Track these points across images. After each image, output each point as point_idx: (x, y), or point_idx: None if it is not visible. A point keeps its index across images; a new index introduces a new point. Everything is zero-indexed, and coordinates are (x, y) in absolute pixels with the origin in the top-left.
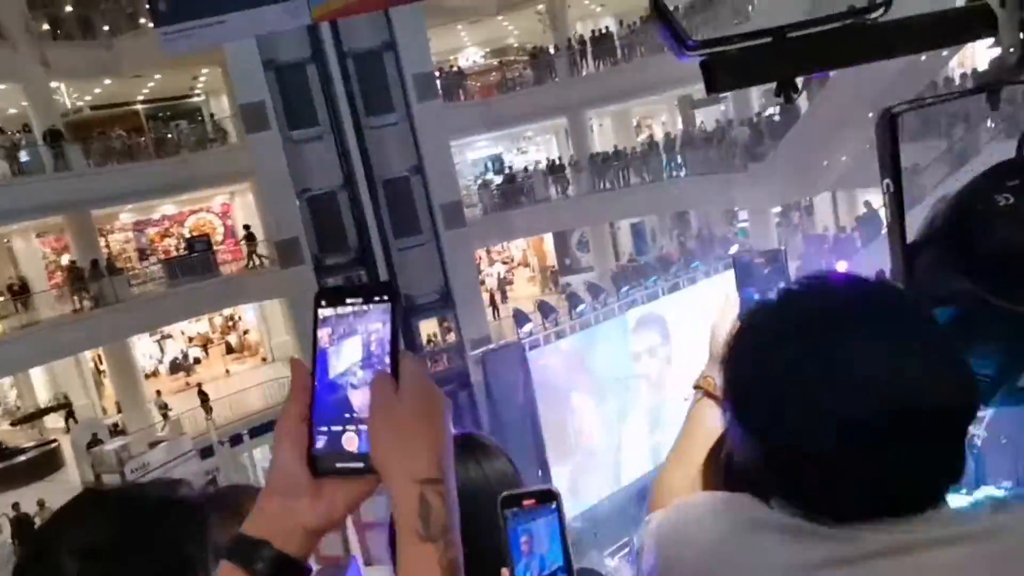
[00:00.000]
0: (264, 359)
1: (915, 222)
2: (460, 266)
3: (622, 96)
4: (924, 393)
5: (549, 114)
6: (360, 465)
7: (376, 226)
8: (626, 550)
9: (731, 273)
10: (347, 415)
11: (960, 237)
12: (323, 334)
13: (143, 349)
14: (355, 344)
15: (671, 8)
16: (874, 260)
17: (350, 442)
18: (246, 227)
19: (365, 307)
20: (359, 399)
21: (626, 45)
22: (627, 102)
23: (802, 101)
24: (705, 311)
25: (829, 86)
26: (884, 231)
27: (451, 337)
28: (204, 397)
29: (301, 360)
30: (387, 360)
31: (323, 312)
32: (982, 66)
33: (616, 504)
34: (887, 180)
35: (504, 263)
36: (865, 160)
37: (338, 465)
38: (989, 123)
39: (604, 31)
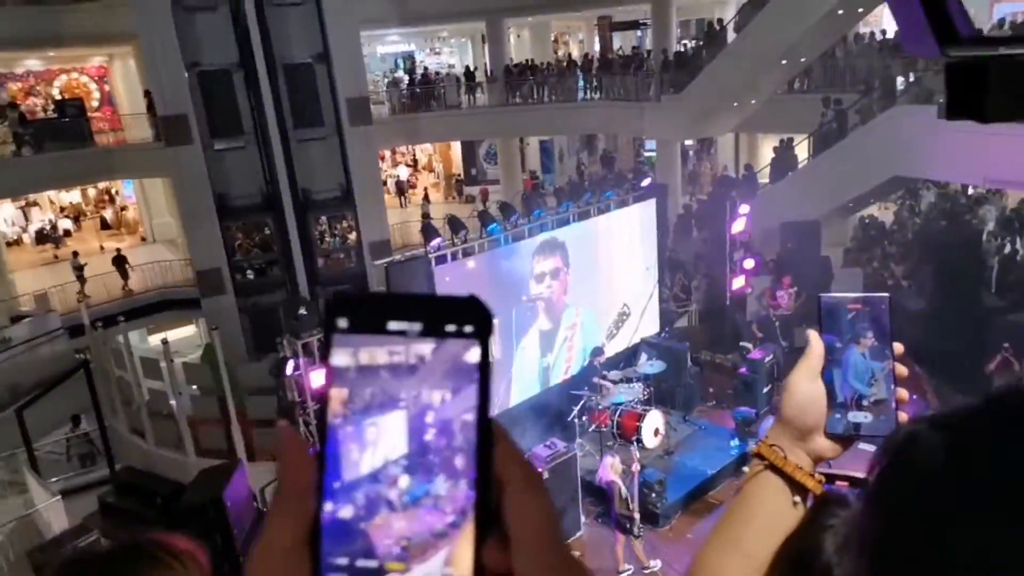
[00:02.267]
0: (143, 239)
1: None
2: (363, 165)
3: (543, 7)
4: None
5: (468, 16)
6: None
7: (275, 113)
8: None
9: (637, 208)
10: (386, 544)
11: None
12: (337, 396)
13: (3, 214)
14: (396, 424)
15: None
16: (778, 198)
17: None
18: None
19: (424, 346)
20: (402, 525)
21: None
22: (547, 14)
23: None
24: (604, 241)
25: (747, 31)
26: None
27: (351, 237)
28: (122, 261)
29: (295, 432)
30: (464, 468)
31: (339, 355)
32: (889, 25)
33: (505, 422)
34: None
35: (408, 166)
36: (770, 105)
37: None
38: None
39: None
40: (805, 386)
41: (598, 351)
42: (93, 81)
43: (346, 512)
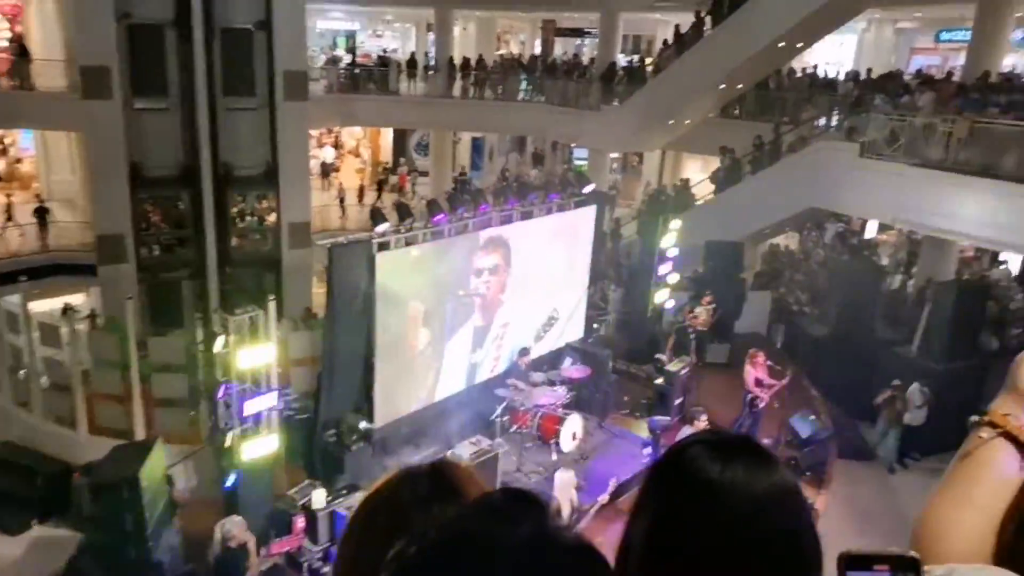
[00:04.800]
0: (38, 196)
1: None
2: (293, 142)
3: (496, 2)
4: None
5: (419, 2)
6: None
7: (205, 77)
8: (432, 459)
9: (576, 214)
10: None
11: None
12: None
13: None
14: None
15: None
16: (702, 218)
17: None
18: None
19: None
20: None
21: None
22: (498, 10)
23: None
24: (545, 243)
25: (690, 53)
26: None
27: (271, 218)
28: (43, 213)
29: None
30: None
31: None
32: (817, 60)
33: (430, 415)
34: None
35: (333, 147)
36: (701, 128)
37: None
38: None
39: None
40: None
41: (525, 351)
42: (5, 19)
43: None
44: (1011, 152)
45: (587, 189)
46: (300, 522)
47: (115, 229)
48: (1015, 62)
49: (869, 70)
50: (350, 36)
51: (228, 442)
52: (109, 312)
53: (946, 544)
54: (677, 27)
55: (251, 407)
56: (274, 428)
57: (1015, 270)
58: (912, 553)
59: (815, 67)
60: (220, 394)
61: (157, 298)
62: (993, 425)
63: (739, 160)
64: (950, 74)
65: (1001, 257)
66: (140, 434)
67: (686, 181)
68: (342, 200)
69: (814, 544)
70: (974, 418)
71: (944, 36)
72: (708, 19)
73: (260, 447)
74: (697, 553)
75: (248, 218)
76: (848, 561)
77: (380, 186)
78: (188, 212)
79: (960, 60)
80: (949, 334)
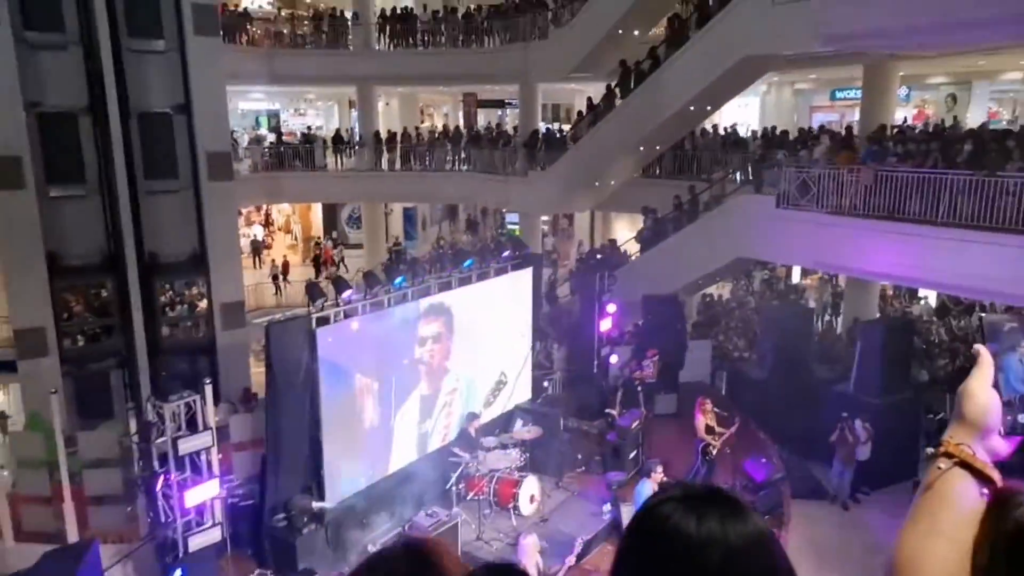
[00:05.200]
0: None
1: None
2: (220, 222)
3: (416, 80)
4: None
5: (340, 81)
6: None
7: (124, 163)
8: (388, 535)
9: (514, 277)
10: None
11: None
12: None
13: None
14: None
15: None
16: (635, 273)
17: None
18: None
19: None
20: None
21: (426, 31)
22: (419, 86)
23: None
24: (486, 308)
25: (604, 122)
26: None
27: (201, 304)
28: None
29: None
30: None
31: None
32: (727, 121)
33: (383, 490)
34: None
35: (261, 225)
36: (626, 188)
37: None
38: (738, 176)
39: (407, 11)
40: (986, 392)
41: (473, 416)
42: None
43: None
44: (912, 197)
45: (524, 252)
46: None
47: (35, 322)
48: (905, 115)
49: (773, 128)
50: (273, 116)
51: (170, 536)
52: (33, 409)
53: (934, 569)
54: (589, 99)
55: (192, 497)
56: (218, 518)
57: (933, 304)
58: None
59: (726, 128)
60: (158, 486)
61: (84, 390)
62: (949, 455)
63: (660, 220)
64: (849, 128)
65: (920, 293)
66: (73, 536)
67: (613, 241)
68: (275, 277)
69: None
70: (930, 450)
71: (839, 95)
72: (617, 91)
73: (204, 539)
74: None
75: (178, 307)
76: None
77: (316, 261)
78: (113, 299)
79: (856, 115)
80: (882, 369)
